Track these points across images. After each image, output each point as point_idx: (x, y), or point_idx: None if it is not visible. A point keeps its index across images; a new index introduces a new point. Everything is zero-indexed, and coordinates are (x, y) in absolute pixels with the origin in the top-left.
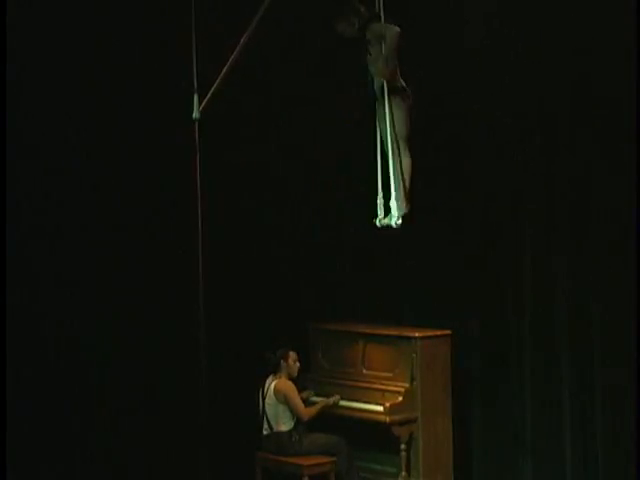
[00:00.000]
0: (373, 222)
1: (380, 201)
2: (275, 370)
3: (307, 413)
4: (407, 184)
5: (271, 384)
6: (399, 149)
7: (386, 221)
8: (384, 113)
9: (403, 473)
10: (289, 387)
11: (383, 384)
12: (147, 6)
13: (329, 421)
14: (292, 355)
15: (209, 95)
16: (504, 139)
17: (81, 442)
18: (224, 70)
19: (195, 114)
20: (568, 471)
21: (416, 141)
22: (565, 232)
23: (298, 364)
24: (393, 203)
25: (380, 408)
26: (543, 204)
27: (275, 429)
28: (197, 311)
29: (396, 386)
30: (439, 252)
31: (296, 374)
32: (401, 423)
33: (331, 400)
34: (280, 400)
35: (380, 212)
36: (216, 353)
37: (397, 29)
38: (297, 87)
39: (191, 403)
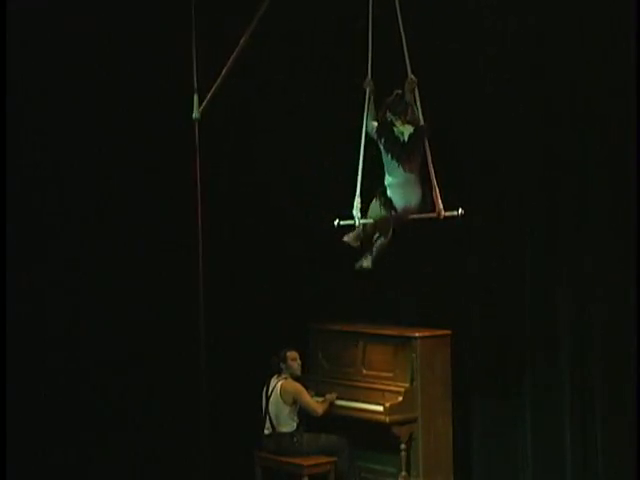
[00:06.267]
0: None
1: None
2: (278, 371)
3: (321, 407)
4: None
5: (277, 384)
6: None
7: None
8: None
9: (403, 473)
10: (298, 388)
11: (383, 384)
12: (147, 6)
13: (329, 421)
14: (290, 355)
15: (209, 95)
16: (504, 139)
17: (81, 442)
18: (224, 70)
19: (195, 114)
20: (568, 471)
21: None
22: (566, 232)
23: (299, 362)
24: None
25: (380, 408)
26: (544, 204)
27: (277, 429)
28: (197, 311)
29: (396, 386)
30: (439, 252)
31: (299, 373)
32: (401, 423)
33: (334, 396)
34: (287, 401)
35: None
36: (216, 353)
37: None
38: (297, 87)
39: (191, 403)
